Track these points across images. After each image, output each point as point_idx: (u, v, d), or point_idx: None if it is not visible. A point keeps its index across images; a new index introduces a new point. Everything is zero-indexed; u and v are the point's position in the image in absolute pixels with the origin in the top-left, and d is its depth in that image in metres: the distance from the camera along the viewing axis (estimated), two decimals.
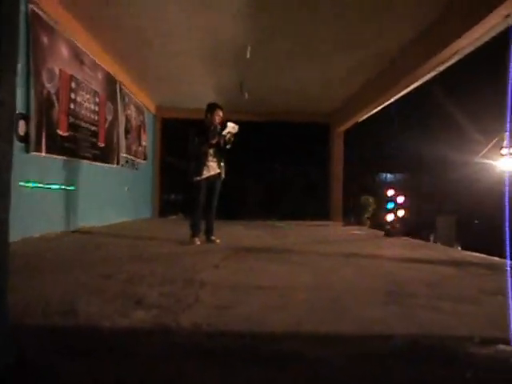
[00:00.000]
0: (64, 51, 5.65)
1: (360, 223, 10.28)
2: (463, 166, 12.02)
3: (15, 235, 4.29)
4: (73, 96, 5.87)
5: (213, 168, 5.00)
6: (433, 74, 6.36)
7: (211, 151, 4.98)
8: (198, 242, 4.90)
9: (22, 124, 4.68)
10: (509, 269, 3.62)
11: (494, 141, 9.51)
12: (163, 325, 1.81)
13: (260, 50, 6.77)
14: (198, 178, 4.90)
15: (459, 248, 7.97)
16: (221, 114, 5.06)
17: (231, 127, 4.92)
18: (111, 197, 7.67)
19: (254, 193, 14.48)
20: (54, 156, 5.35)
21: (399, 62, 6.79)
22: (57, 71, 5.40)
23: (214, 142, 4.93)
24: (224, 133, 4.93)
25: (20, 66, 4.61)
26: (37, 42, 4.93)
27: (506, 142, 8.57)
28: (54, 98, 5.33)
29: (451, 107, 11.90)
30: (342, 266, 3.66)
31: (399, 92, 7.56)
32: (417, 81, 6.80)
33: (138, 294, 2.34)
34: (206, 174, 4.93)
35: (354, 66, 7.55)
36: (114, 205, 7.90)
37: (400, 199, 7.22)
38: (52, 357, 1.45)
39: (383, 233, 7.24)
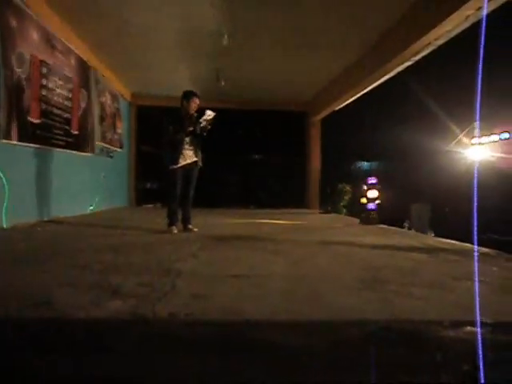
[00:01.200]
0: (35, 36, 5.46)
1: (336, 211, 10.42)
2: (437, 155, 12.30)
3: None
4: (44, 82, 5.70)
5: (189, 156, 4.96)
6: (407, 63, 6.45)
7: (187, 139, 4.93)
8: (176, 231, 4.87)
9: None
10: (476, 254, 3.75)
11: (466, 130, 9.76)
12: (140, 315, 1.81)
13: (237, 38, 6.71)
14: (175, 167, 4.86)
15: (432, 235, 8.18)
16: (197, 101, 5.00)
17: (207, 114, 4.88)
18: (86, 185, 7.54)
19: (231, 181, 14.44)
20: (26, 144, 5.20)
21: (375, 51, 6.86)
22: (27, 56, 5.22)
23: (189, 130, 4.88)
24: (201, 120, 4.89)
25: None
26: (6, 25, 4.75)
27: (476, 131, 8.80)
28: (25, 83, 5.17)
29: (425, 95, 12.09)
30: (316, 254, 3.71)
31: (375, 81, 7.64)
32: (392, 70, 6.89)
33: (114, 284, 2.32)
34: (182, 162, 4.88)
35: (331, 55, 7.58)
36: (89, 193, 7.77)
37: (375, 187, 7.33)
38: (24, 352, 1.43)
39: (358, 220, 7.36)
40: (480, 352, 1.38)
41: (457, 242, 4.84)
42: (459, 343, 1.60)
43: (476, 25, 4.63)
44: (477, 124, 8.50)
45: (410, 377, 1.34)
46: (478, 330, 1.62)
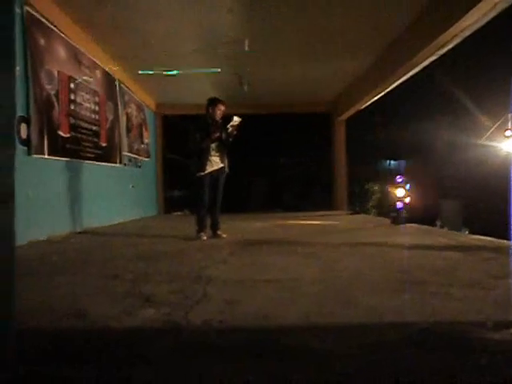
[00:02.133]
0: (62, 52, 5.62)
1: (365, 211, 10.26)
2: (468, 149, 11.95)
3: (21, 239, 4.31)
4: (72, 97, 5.85)
5: (216, 163, 4.98)
6: (433, 57, 6.28)
7: (213, 146, 4.95)
8: (205, 238, 4.89)
9: (23, 127, 4.68)
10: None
11: (499, 122, 9.43)
12: (173, 323, 1.80)
13: (258, 42, 6.71)
14: (202, 174, 4.89)
15: (467, 232, 7.94)
16: (222, 108, 5.02)
17: (233, 120, 4.90)
18: (116, 196, 7.68)
19: (258, 185, 14.47)
20: (57, 158, 5.35)
21: (399, 46, 6.71)
22: (55, 73, 5.38)
23: (215, 136, 4.90)
24: (228, 126, 4.91)
25: (18, 69, 4.59)
26: (34, 43, 4.91)
27: (510, 124, 8.49)
28: (54, 99, 5.32)
29: (455, 89, 11.79)
30: (348, 256, 3.65)
31: (400, 77, 7.47)
32: (417, 65, 6.71)
33: (146, 292, 2.33)
34: (209, 169, 4.91)
35: (352, 55, 7.48)
36: (119, 204, 7.91)
37: (406, 186, 7.17)
38: (60, 363, 1.44)
39: (389, 220, 7.22)
40: None
41: (493, 239, 4.66)
42: (505, 345, 1.52)
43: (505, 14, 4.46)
44: (511, 116, 8.20)
45: (452, 382, 1.28)
46: None
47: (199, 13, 5.77)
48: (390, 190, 7.30)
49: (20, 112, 4.60)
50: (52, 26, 5.35)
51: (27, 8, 4.77)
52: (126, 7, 5.57)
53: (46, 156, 5.08)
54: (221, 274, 2.89)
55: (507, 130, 8.69)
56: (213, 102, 5.01)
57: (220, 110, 5.00)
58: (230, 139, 4.99)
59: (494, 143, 10.04)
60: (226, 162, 5.06)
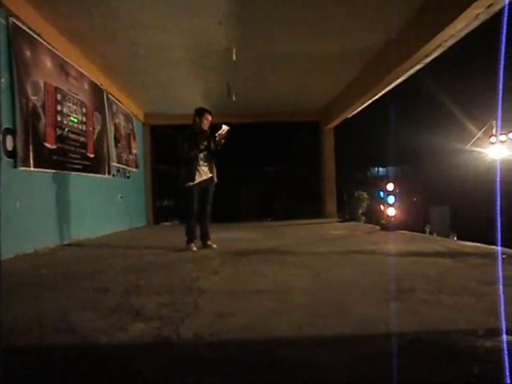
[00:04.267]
0: (48, 63, 5.58)
1: (355, 219, 10.30)
2: (454, 155, 12.11)
3: (8, 252, 4.24)
4: (59, 108, 5.80)
5: (204, 172, 4.97)
6: (419, 66, 6.38)
7: (202, 155, 4.95)
8: (195, 248, 4.86)
9: (9, 139, 4.62)
10: (503, 256, 3.64)
11: (484, 129, 9.59)
12: (164, 337, 1.78)
13: (246, 52, 6.74)
14: (191, 184, 4.87)
15: (455, 238, 8.01)
16: (209, 117, 5.03)
17: (222, 129, 4.90)
18: (104, 207, 7.60)
19: (248, 195, 14.44)
20: (43, 169, 5.29)
21: (385, 56, 6.80)
22: (41, 84, 5.33)
23: (203, 146, 4.90)
24: (216, 134, 4.91)
25: (3, 81, 4.55)
26: (20, 55, 4.87)
27: (495, 130, 8.63)
28: (40, 110, 5.27)
29: (440, 96, 11.97)
30: (339, 265, 3.65)
31: (387, 86, 7.57)
32: (403, 74, 6.82)
33: (136, 306, 2.30)
34: (198, 179, 4.89)
35: (340, 64, 7.55)
36: (107, 215, 7.83)
37: (393, 193, 7.23)
38: (50, 381, 1.41)
39: (379, 228, 7.25)
40: None
41: (482, 245, 4.71)
42: (496, 353, 1.53)
43: (495, 20, 4.53)
44: (495, 122, 8.34)
45: None
46: None
47: (188, 23, 5.78)
48: (379, 196, 7.34)
49: (6, 124, 4.54)
50: (38, 37, 5.32)
51: (12, 19, 4.73)
52: (114, 18, 5.56)
53: (32, 168, 5.01)
54: (212, 285, 2.87)
55: (492, 136, 8.84)
56: (200, 113, 5.02)
57: (207, 119, 5.01)
58: (219, 148, 4.98)
59: (479, 149, 10.19)
60: (215, 171, 5.05)
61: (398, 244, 5.23)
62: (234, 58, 6.65)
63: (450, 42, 5.37)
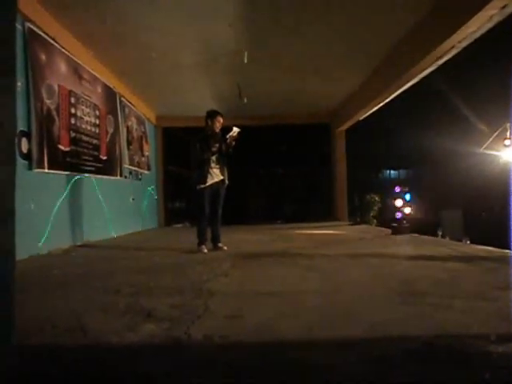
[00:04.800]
0: (62, 67, 5.67)
1: (366, 222, 10.24)
2: (467, 158, 11.97)
3: (22, 253, 4.30)
4: (73, 111, 5.88)
5: (216, 175, 4.98)
6: (432, 68, 6.33)
7: (213, 158, 4.97)
8: (205, 250, 4.87)
9: (24, 141, 4.70)
10: None
11: (498, 131, 9.46)
12: (174, 338, 1.79)
13: (257, 55, 6.77)
14: (202, 186, 4.89)
15: (468, 242, 7.91)
16: (221, 120, 5.05)
17: (232, 131, 4.92)
18: (116, 209, 7.68)
19: (258, 197, 14.46)
20: (57, 171, 5.36)
21: (397, 57, 6.76)
22: (56, 87, 5.41)
23: (214, 148, 4.92)
24: (227, 136, 4.93)
25: (20, 85, 4.63)
26: (35, 59, 4.95)
27: (509, 133, 8.52)
28: (55, 113, 5.35)
29: (454, 99, 11.86)
30: (350, 268, 3.63)
31: (399, 88, 7.52)
32: (415, 76, 6.76)
33: (147, 307, 2.32)
34: (209, 181, 4.91)
35: (351, 66, 7.54)
36: (120, 217, 7.90)
37: (407, 196, 7.18)
38: (61, 381, 1.43)
39: (390, 231, 7.20)
40: None
41: (495, 249, 4.65)
42: (508, 358, 1.51)
43: (506, 22, 4.49)
44: (509, 125, 8.22)
45: None
46: None
47: (199, 26, 5.83)
48: (390, 199, 7.30)
49: (21, 126, 4.62)
50: (53, 41, 5.41)
51: (28, 24, 4.82)
52: (126, 22, 5.63)
53: (47, 170, 5.09)
54: (222, 287, 2.88)
55: (506, 139, 8.72)
56: (211, 115, 5.04)
57: (219, 122, 5.03)
58: (230, 149, 5.00)
59: (493, 152, 10.06)
60: (226, 173, 5.07)
61: (409, 247, 5.19)
62: (246, 61, 6.67)
63: (464, 44, 5.32)
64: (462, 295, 2.45)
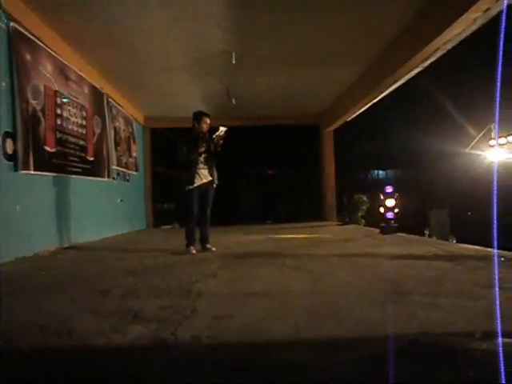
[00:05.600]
0: (48, 67, 5.60)
1: (354, 222, 10.30)
2: (453, 159, 12.11)
3: (8, 255, 4.25)
4: (59, 111, 5.82)
5: (204, 175, 4.97)
6: (418, 69, 6.41)
7: (201, 159, 4.96)
8: (194, 251, 4.86)
9: (9, 142, 4.63)
10: (500, 259, 3.65)
11: (483, 132, 9.60)
12: (161, 339, 1.79)
13: (245, 56, 6.77)
14: (191, 187, 4.88)
15: (454, 241, 8.01)
16: (208, 121, 5.03)
17: (220, 130, 4.90)
18: (104, 210, 7.61)
19: (248, 197, 14.47)
20: (43, 173, 5.30)
21: (383, 60, 6.84)
22: (42, 87, 5.35)
23: (202, 150, 4.91)
24: (214, 136, 4.91)
25: (4, 85, 4.57)
26: (20, 59, 4.89)
27: (494, 133, 8.65)
28: (40, 114, 5.29)
29: (441, 99, 11.99)
30: (337, 268, 3.66)
31: (386, 89, 7.60)
32: (402, 77, 6.85)
33: (134, 308, 2.31)
34: (197, 182, 4.90)
35: (339, 68, 7.59)
36: (107, 218, 7.84)
37: (393, 196, 7.24)
38: (47, 381, 1.42)
39: (378, 230, 7.26)
40: None
41: (481, 248, 4.72)
42: (492, 356, 1.53)
43: (494, 23, 4.55)
44: (494, 125, 8.35)
45: None
46: None
47: (187, 27, 5.81)
48: (378, 200, 7.36)
49: (6, 127, 4.56)
50: (38, 42, 5.34)
51: (13, 24, 4.76)
52: (114, 22, 5.59)
53: (33, 171, 5.03)
54: (210, 288, 2.88)
55: (491, 139, 8.85)
56: (198, 117, 5.02)
57: (206, 123, 5.01)
58: (218, 149, 4.99)
59: (479, 152, 10.20)
60: (215, 174, 5.06)
61: (396, 247, 5.23)
62: (234, 62, 6.67)
63: (449, 46, 5.40)
64: (448, 294, 2.49)
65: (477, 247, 4.80)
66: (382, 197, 7.30)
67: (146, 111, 10.83)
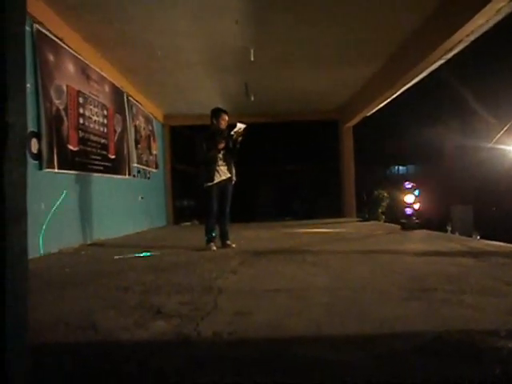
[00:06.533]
0: (70, 67, 5.72)
1: (375, 218, 10.20)
2: (477, 153, 11.86)
3: (34, 252, 4.36)
4: (81, 111, 5.93)
5: (223, 172, 5.00)
6: (440, 62, 6.28)
7: (220, 155, 4.98)
8: (214, 248, 4.90)
9: (34, 142, 4.75)
10: None
11: (508, 125, 9.37)
12: (184, 335, 1.81)
13: (264, 52, 6.76)
14: (210, 184, 4.91)
15: (478, 237, 7.85)
16: (226, 118, 5.05)
17: (238, 127, 4.91)
18: (125, 208, 7.73)
19: (267, 194, 14.47)
20: (67, 171, 5.41)
21: (404, 53, 6.72)
22: (64, 87, 5.46)
23: (221, 146, 4.93)
24: (232, 133, 4.93)
25: (29, 86, 4.68)
26: (44, 60, 5.00)
27: None
28: (63, 113, 5.40)
29: (464, 92, 11.74)
30: (358, 264, 3.63)
31: (406, 83, 7.48)
32: (424, 70, 6.71)
33: (157, 304, 2.34)
34: (217, 179, 4.93)
35: (359, 62, 7.50)
36: (129, 215, 7.96)
37: (415, 192, 7.14)
38: (72, 375, 1.46)
39: (400, 227, 7.17)
40: None
41: (505, 244, 4.61)
42: None
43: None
44: None
45: None
46: None
47: (205, 24, 5.84)
48: (399, 196, 7.27)
49: (31, 127, 4.67)
50: (61, 42, 5.45)
51: (37, 26, 4.87)
52: (132, 22, 5.66)
53: (56, 170, 5.14)
54: (231, 284, 2.90)
55: None
56: (216, 113, 5.05)
57: (224, 120, 5.03)
58: (237, 146, 5.01)
59: (503, 146, 9.96)
60: (234, 171, 5.08)
61: (418, 243, 5.17)
62: (252, 58, 6.66)
63: (472, 38, 5.28)
64: (471, 291, 2.44)
65: (501, 243, 4.69)
66: (401, 192, 7.21)
67: (165, 109, 10.93)
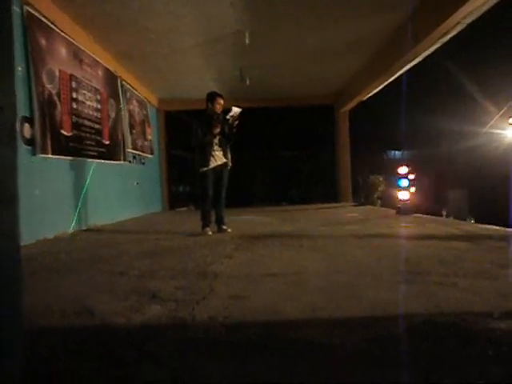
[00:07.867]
0: (63, 51, 5.62)
1: (370, 203, 10.23)
2: (473, 137, 11.86)
3: (29, 238, 4.35)
4: (74, 95, 5.86)
5: (219, 157, 4.98)
6: (436, 45, 6.23)
7: (216, 140, 4.95)
8: (210, 233, 4.90)
9: (26, 127, 4.69)
10: None
11: (504, 110, 9.36)
12: (179, 319, 1.82)
13: (259, 35, 6.67)
14: (205, 169, 4.89)
15: (472, 221, 7.90)
16: (221, 101, 5.00)
17: (233, 111, 4.88)
18: (120, 193, 7.71)
19: (262, 179, 14.46)
20: (61, 157, 5.37)
21: (401, 36, 6.65)
22: (57, 72, 5.38)
23: (216, 131, 4.89)
24: (227, 117, 4.89)
25: (20, 69, 4.60)
26: (35, 43, 4.91)
27: None
28: (56, 98, 5.33)
29: (459, 77, 11.68)
30: (354, 248, 3.65)
31: (403, 67, 7.43)
32: (420, 54, 6.67)
33: (152, 289, 2.35)
34: (212, 164, 4.91)
35: (355, 44, 7.43)
36: (124, 201, 7.94)
37: (410, 176, 7.15)
38: (67, 359, 1.46)
39: (394, 211, 7.20)
40: None
41: (499, 228, 4.64)
42: (511, 335, 1.52)
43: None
44: None
45: (458, 373, 1.28)
46: None
47: (200, 7, 5.74)
48: (395, 180, 7.28)
49: (23, 112, 4.61)
50: (52, 25, 5.35)
51: (27, 7, 4.77)
52: (126, 5, 5.55)
53: (50, 155, 5.10)
54: (226, 269, 2.90)
55: (511, 117, 8.63)
56: (212, 97, 5.00)
57: (219, 103, 4.98)
58: (234, 130, 4.98)
59: (498, 131, 9.96)
60: (229, 156, 5.06)
61: (413, 227, 5.19)
62: (247, 42, 6.58)
63: (468, 20, 5.23)
64: (466, 274, 2.46)
65: (496, 227, 4.72)
66: (397, 177, 7.21)
67: (159, 94, 10.82)
